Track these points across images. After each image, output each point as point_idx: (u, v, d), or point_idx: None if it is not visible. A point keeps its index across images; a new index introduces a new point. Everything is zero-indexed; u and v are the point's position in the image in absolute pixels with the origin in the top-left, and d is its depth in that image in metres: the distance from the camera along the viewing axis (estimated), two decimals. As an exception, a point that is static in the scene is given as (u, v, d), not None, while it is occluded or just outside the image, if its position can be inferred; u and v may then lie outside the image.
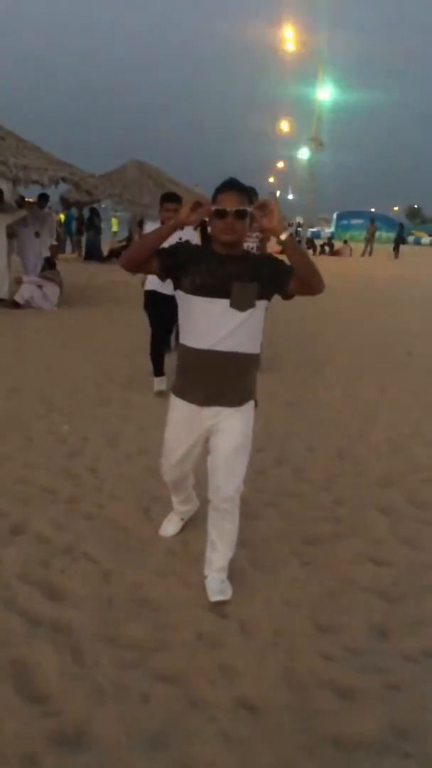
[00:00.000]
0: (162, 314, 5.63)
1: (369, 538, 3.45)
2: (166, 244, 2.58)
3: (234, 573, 2.91)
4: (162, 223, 6.34)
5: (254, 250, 5.78)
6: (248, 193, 2.53)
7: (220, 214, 2.44)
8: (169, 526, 3.35)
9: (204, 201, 2.48)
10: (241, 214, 2.43)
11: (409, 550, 3.35)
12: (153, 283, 5.51)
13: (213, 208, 2.45)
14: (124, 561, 3.08)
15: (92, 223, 20.31)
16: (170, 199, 5.46)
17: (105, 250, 20.54)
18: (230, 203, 2.43)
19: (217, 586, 2.82)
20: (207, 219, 2.56)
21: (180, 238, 4.13)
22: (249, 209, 2.43)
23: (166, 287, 5.36)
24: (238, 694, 2.27)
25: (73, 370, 6.70)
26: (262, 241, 6.05)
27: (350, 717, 2.18)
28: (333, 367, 7.55)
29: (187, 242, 2.73)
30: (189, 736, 2.07)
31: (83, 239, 20.71)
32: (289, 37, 25.63)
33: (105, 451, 4.52)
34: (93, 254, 19.89)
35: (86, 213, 20.46)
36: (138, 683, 2.28)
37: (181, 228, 2.50)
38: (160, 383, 5.86)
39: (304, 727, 2.13)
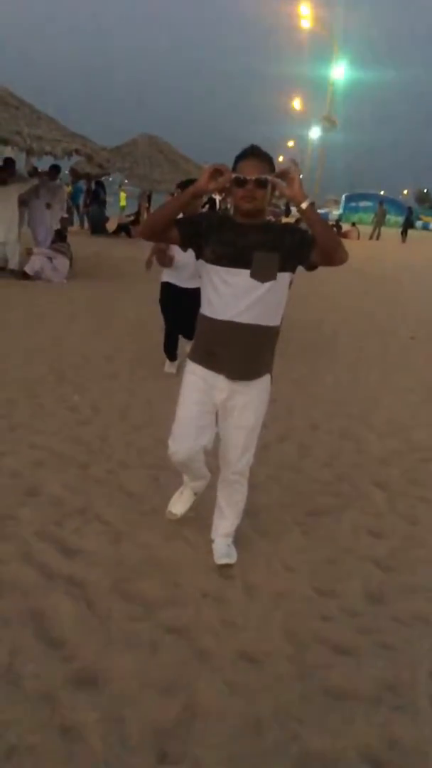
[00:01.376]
0: (177, 309, 5.50)
1: (367, 512, 3.61)
2: None
3: (239, 539, 3.06)
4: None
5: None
6: (270, 160, 2.45)
7: (240, 182, 2.38)
8: (178, 505, 3.21)
9: (223, 168, 2.41)
10: (261, 183, 2.37)
11: (405, 523, 3.51)
12: (169, 274, 5.54)
13: (233, 176, 2.39)
14: (135, 524, 3.24)
15: (97, 196, 20.21)
16: (184, 185, 5.52)
17: (113, 225, 20.53)
18: (251, 171, 2.37)
19: (223, 549, 2.96)
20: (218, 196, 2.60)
21: None
22: (269, 177, 2.37)
23: (183, 280, 5.46)
24: (240, 647, 2.43)
25: (83, 343, 6.83)
26: (276, 216, 5.96)
27: (345, 671, 2.35)
28: (337, 349, 7.67)
29: (209, 211, 2.75)
30: (195, 682, 2.24)
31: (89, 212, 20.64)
32: (305, 14, 25.30)
33: (114, 421, 4.67)
34: (97, 227, 19.84)
35: (93, 186, 20.39)
36: (148, 634, 2.44)
37: (200, 196, 2.52)
38: (170, 367, 5.93)
39: (302, 679, 2.30)
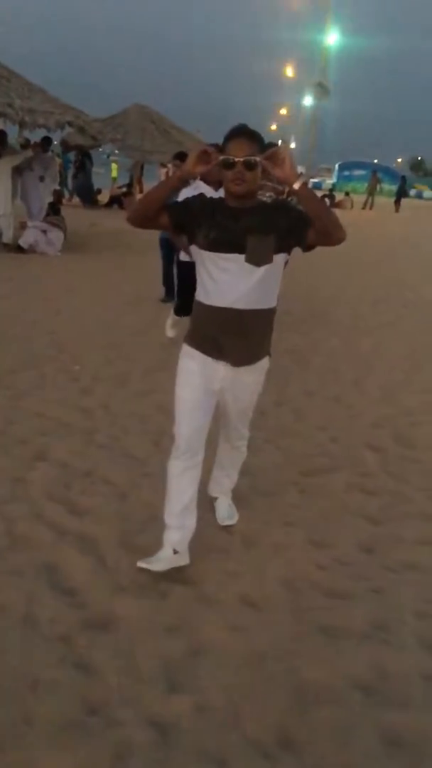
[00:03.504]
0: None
1: (360, 472, 3.79)
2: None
3: (237, 498, 3.24)
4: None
5: None
6: (260, 139, 2.36)
7: (229, 164, 2.29)
8: (158, 554, 2.69)
9: (210, 150, 2.31)
10: (250, 164, 2.28)
11: (395, 482, 3.69)
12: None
13: (221, 157, 2.29)
14: (138, 485, 3.41)
15: (83, 166, 19.71)
16: (184, 157, 5.58)
17: (105, 197, 20.41)
18: (239, 152, 2.27)
19: (225, 511, 3.14)
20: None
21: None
22: (259, 158, 2.28)
23: None
24: (241, 593, 2.62)
25: (81, 315, 6.94)
26: (277, 193, 5.85)
27: (338, 613, 2.54)
28: (331, 318, 7.81)
29: (201, 195, 2.68)
30: (200, 624, 2.43)
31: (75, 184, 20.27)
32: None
33: (115, 390, 4.82)
34: (83, 197, 19.58)
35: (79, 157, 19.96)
36: (154, 583, 2.62)
37: (187, 182, 2.46)
38: (171, 331, 6.05)
39: (298, 620, 2.49)
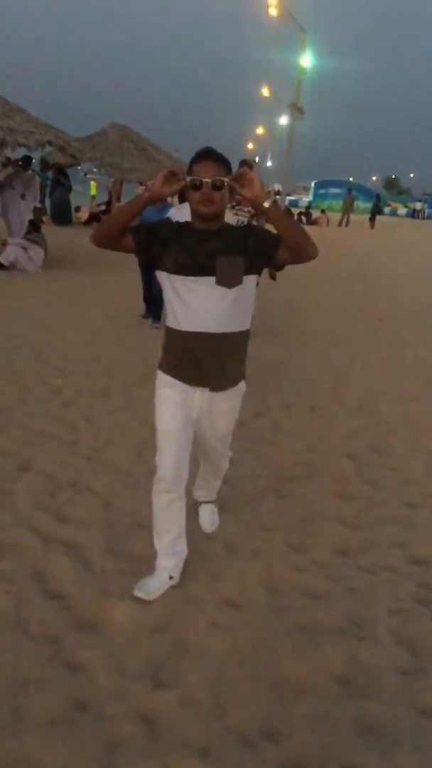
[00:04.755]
0: None
1: (336, 479, 3.92)
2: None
3: (219, 504, 3.34)
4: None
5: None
6: (225, 162, 2.35)
7: (196, 185, 2.28)
8: (152, 583, 2.70)
9: (178, 170, 2.33)
10: (217, 185, 2.27)
11: (370, 488, 3.82)
12: None
13: (188, 179, 2.29)
14: (122, 494, 3.50)
15: (58, 183, 19.21)
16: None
17: (85, 214, 20.51)
18: (206, 173, 2.27)
19: (208, 518, 3.25)
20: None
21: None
22: (226, 180, 2.28)
23: None
24: (223, 594, 2.72)
25: (63, 330, 7.02)
26: (254, 216, 5.92)
27: (316, 611, 2.66)
28: (308, 332, 7.98)
29: (167, 219, 2.64)
30: (184, 624, 2.52)
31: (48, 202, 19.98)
32: (273, 2, 25.41)
33: (97, 402, 4.90)
34: (57, 216, 19.05)
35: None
36: (140, 586, 2.71)
37: (154, 202, 2.36)
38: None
39: (278, 618, 2.60)
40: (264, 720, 2.09)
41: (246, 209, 5.86)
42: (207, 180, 2.27)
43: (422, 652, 2.46)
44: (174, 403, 2.57)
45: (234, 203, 5.26)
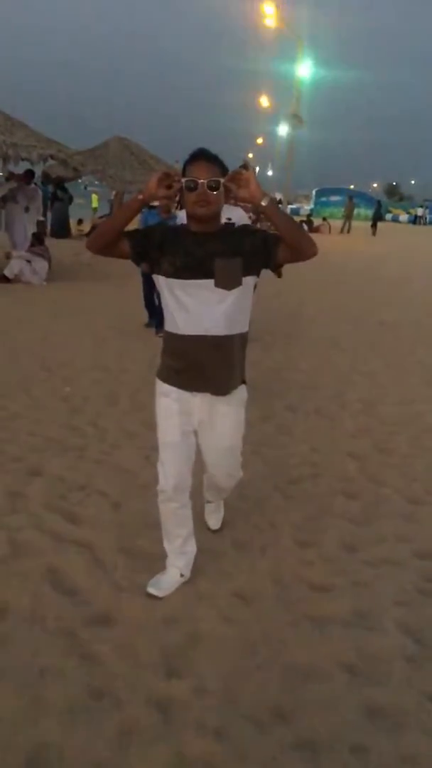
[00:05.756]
0: None
1: (341, 477, 3.99)
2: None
3: (227, 505, 3.40)
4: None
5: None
6: (220, 162, 2.34)
7: (191, 186, 2.26)
8: (164, 580, 2.78)
9: (173, 172, 2.30)
10: (213, 186, 2.26)
11: (374, 486, 3.90)
12: None
13: (183, 180, 2.27)
14: (131, 495, 3.58)
15: (56, 197, 19.29)
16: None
17: (87, 227, 20.68)
18: (201, 174, 2.26)
19: (213, 515, 3.27)
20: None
21: (229, 219, 4.06)
22: (222, 180, 2.27)
23: None
24: (233, 589, 2.80)
25: (68, 340, 7.13)
26: (256, 222, 6.03)
27: (323, 603, 2.73)
28: (311, 336, 8.07)
29: (161, 223, 2.64)
30: (195, 617, 2.60)
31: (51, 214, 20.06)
32: (270, 13, 25.71)
33: (104, 408, 4.99)
34: (59, 230, 19.13)
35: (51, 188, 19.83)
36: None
37: (148, 204, 2.45)
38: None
39: (286, 611, 2.67)
40: (274, 704, 2.16)
41: (249, 213, 5.92)
42: (202, 181, 2.25)
43: (427, 640, 2.53)
44: (173, 414, 2.56)
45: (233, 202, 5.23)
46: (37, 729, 2.02)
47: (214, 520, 3.28)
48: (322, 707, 2.17)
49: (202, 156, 2.31)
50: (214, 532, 3.26)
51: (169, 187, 2.27)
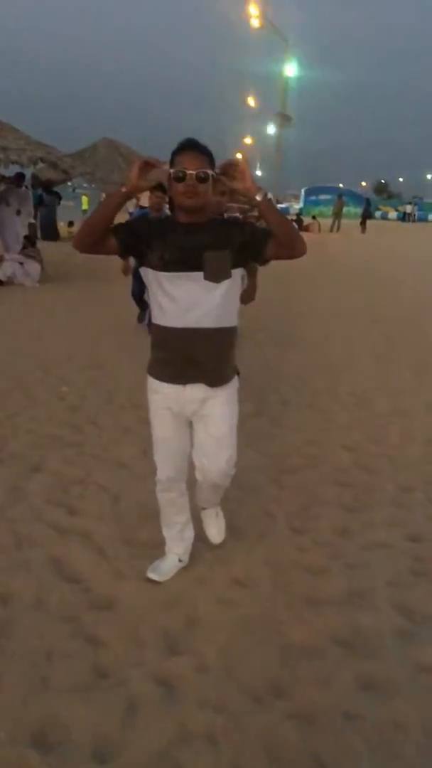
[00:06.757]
0: None
1: (334, 468, 4.10)
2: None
3: (222, 496, 3.50)
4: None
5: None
6: (209, 154, 2.30)
7: (180, 176, 2.22)
8: (163, 565, 2.86)
9: (153, 161, 2.24)
10: (202, 177, 2.23)
11: (367, 475, 4.00)
12: None
13: (171, 170, 2.24)
14: (130, 488, 3.67)
15: (42, 201, 19.19)
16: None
17: (77, 228, 20.68)
18: (190, 165, 2.22)
19: (214, 525, 3.06)
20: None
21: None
22: (210, 172, 2.25)
23: None
24: (230, 574, 2.89)
25: (63, 340, 7.22)
26: (247, 212, 6.05)
27: (319, 585, 2.83)
28: (303, 332, 8.18)
29: (145, 215, 2.53)
30: (194, 600, 2.69)
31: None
32: (254, 14, 25.85)
33: (102, 406, 5.08)
34: (47, 232, 19.09)
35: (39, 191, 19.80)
36: (151, 569, 2.88)
37: (130, 196, 2.27)
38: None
39: (283, 593, 2.77)
40: (272, 679, 2.26)
41: (237, 205, 5.96)
42: (191, 172, 2.22)
43: (418, 616, 2.64)
44: (165, 410, 2.57)
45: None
46: (44, 706, 2.11)
47: (214, 531, 3.06)
48: (318, 681, 2.26)
49: (191, 146, 2.28)
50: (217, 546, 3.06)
51: (153, 166, 2.24)
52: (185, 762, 1.93)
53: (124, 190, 2.25)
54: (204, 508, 3.04)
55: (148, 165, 2.23)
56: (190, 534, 2.94)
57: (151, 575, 2.81)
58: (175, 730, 2.04)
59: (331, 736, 2.03)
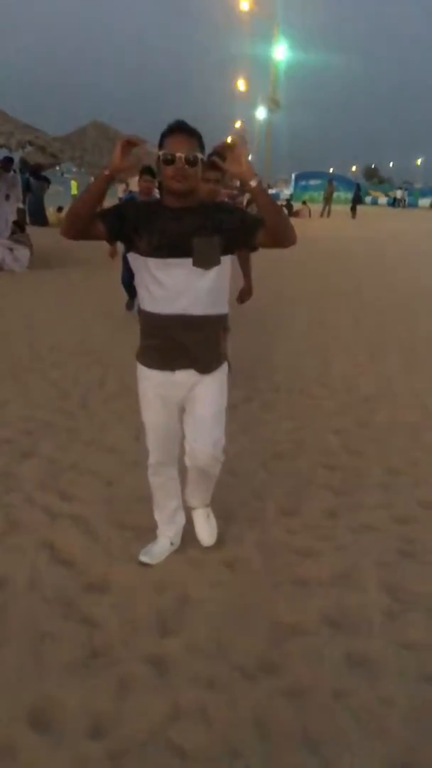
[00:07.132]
0: None
1: (323, 451, 4.15)
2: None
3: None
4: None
5: None
6: (199, 137, 2.26)
7: (169, 159, 2.19)
8: (155, 549, 2.89)
9: (135, 139, 2.19)
10: (191, 160, 2.20)
11: (355, 458, 4.06)
12: None
13: (160, 152, 2.21)
14: (121, 473, 3.71)
15: (28, 186, 18.92)
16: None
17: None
18: (179, 148, 2.18)
19: (206, 527, 2.99)
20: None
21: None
22: (200, 155, 2.22)
23: None
24: (221, 556, 2.94)
25: (54, 326, 7.21)
26: (237, 196, 6.00)
27: (307, 566, 2.88)
28: (294, 319, 8.21)
29: (133, 199, 2.48)
30: (186, 582, 2.74)
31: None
32: (245, -4, 25.62)
33: (93, 392, 5.11)
34: (33, 219, 18.86)
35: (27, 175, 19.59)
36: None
37: (113, 178, 2.21)
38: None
39: (273, 574, 2.83)
40: (262, 657, 2.32)
41: (227, 190, 5.94)
42: (180, 155, 2.18)
43: (404, 596, 2.70)
44: (155, 397, 2.58)
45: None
46: (39, 685, 2.16)
47: (206, 534, 2.99)
48: (307, 659, 2.32)
49: (180, 129, 2.24)
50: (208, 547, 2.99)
51: (134, 144, 2.20)
52: (178, 738, 1.98)
53: (106, 173, 2.21)
54: (194, 508, 3.00)
55: (129, 143, 2.18)
56: (181, 518, 2.99)
57: (144, 558, 2.85)
58: (168, 707, 2.09)
59: (320, 713, 2.09)
